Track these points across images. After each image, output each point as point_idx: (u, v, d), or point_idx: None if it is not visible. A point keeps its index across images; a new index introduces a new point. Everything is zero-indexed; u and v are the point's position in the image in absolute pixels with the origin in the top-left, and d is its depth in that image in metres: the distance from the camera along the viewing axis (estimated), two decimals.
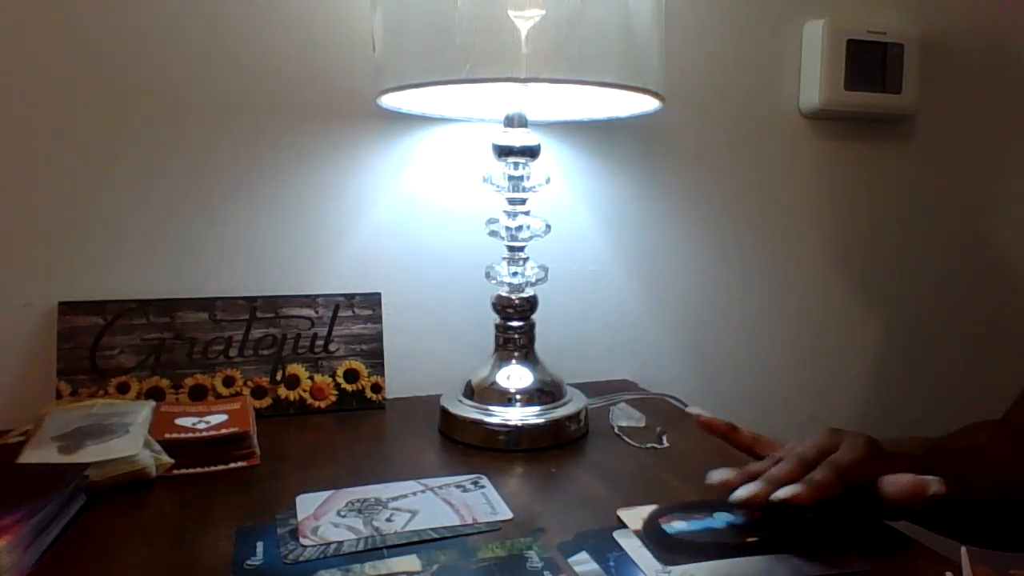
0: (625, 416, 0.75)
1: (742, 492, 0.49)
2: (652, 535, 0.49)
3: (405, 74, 0.62)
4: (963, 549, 0.44)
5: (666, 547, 0.48)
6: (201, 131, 0.77)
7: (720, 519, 0.52)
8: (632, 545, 0.48)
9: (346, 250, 0.82)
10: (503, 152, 0.70)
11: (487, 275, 0.72)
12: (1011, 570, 0.43)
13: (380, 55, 0.65)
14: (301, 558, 0.47)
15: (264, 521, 0.51)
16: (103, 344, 0.72)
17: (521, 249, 0.72)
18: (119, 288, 0.75)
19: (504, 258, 0.72)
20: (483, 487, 0.58)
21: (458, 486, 0.58)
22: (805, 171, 1.00)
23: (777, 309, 1.00)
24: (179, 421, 0.64)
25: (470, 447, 0.68)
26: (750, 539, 0.49)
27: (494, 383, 0.71)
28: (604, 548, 0.48)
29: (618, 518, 0.52)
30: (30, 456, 0.56)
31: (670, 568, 0.45)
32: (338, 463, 0.63)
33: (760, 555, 0.47)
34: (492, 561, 0.46)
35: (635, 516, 0.52)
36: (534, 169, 0.71)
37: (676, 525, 0.51)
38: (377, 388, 0.79)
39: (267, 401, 0.76)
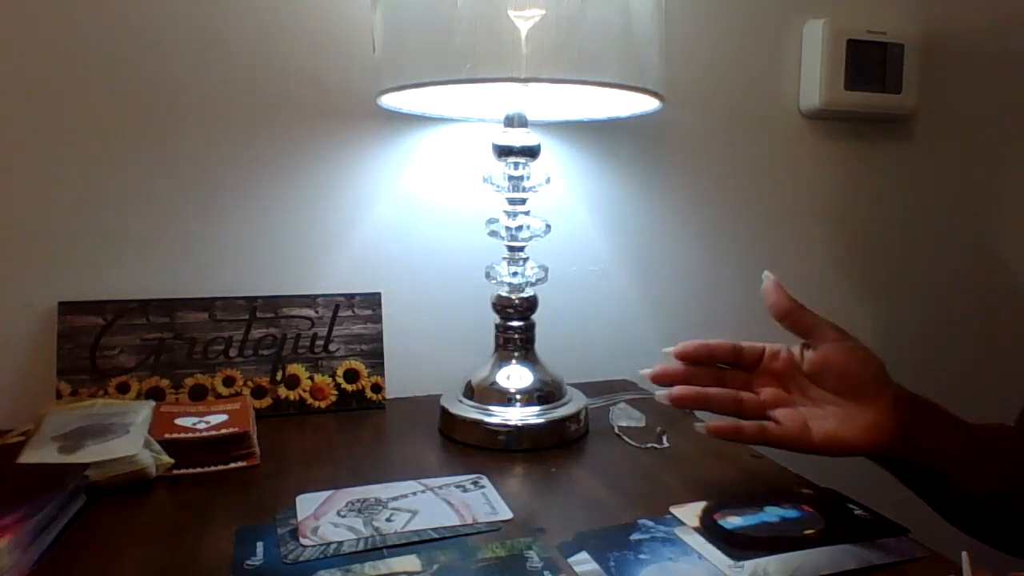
0: (625, 416, 0.75)
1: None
2: (712, 531, 0.50)
3: (405, 74, 0.62)
4: (964, 554, 0.44)
5: (729, 542, 0.49)
6: (201, 131, 0.77)
7: (771, 513, 0.53)
8: (697, 541, 0.49)
9: (346, 250, 0.82)
10: (503, 152, 0.70)
11: (487, 275, 0.72)
12: (1011, 572, 0.43)
13: (380, 55, 0.65)
14: (301, 558, 0.47)
15: (264, 521, 0.51)
16: (103, 344, 0.72)
17: (521, 249, 0.72)
18: (119, 288, 0.75)
19: (504, 258, 0.72)
20: (483, 487, 0.58)
21: (458, 486, 0.58)
22: (805, 171, 1.00)
23: None
24: (179, 421, 0.64)
25: (470, 447, 0.68)
26: (808, 532, 0.50)
27: (494, 383, 0.71)
28: (604, 548, 0.48)
29: (672, 514, 0.53)
30: (30, 456, 0.56)
31: (742, 563, 0.46)
32: (338, 463, 0.63)
33: (822, 547, 0.48)
34: (492, 561, 0.46)
35: (689, 512, 0.53)
36: (534, 169, 0.71)
37: (732, 521, 0.52)
38: (377, 388, 0.79)
39: (267, 401, 0.76)
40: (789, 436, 0.56)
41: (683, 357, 0.60)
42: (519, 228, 0.70)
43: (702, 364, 0.61)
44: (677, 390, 0.58)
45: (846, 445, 0.55)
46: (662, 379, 0.60)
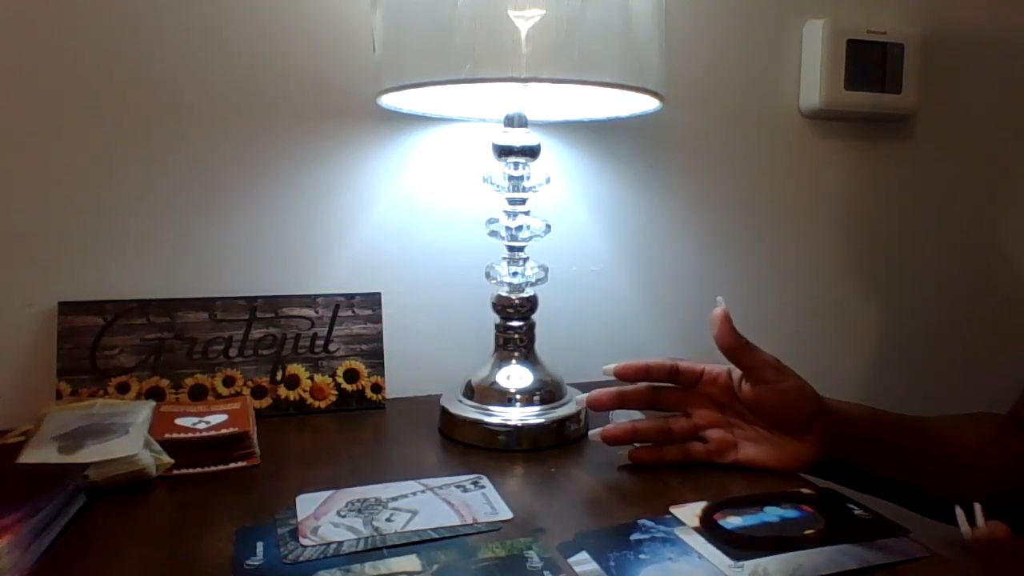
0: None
1: None
2: (712, 531, 0.50)
3: (405, 74, 0.62)
4: (976, 505, 0.44)
5: (729, 542, 0.49)
6: (201, 131, 0.77)
7: (771, 513, 0.53)
8: (697, 541, 0.49)
9: (346, 250, 0.82)
10: (503, 152, 0.70)
11: (487, 275, 0.72)
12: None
13: (380, 55, 0.65)
14: (301, 558, 0.47)
15: (264, 521, 0.51)
16: (103, 344, 0.72)
17: (521, 249, 0.72)
18: (119, 288, 0.75)
19: (504, 258, 0.72)
20: (483, 487, 0.58)
21: (458, 486, 0.58)
22: (805, 171, 1.00)
23: (776, 309, 1.00)
24: (179, 421, 0.64)
25: (470, 447, 0.68)
26: (808, 532, 0.50)
27: (494, 383, 0.71)
28: (604, 548, 0.48)
29: (672, 514, 0.53)
30: (30, 456, 0.56)
31: (742, 563, 0.46)
32: (338, 463, 0.63)
33: (822, 547, 0.48)
34: (492, 561, 0.46)
35: (689, 512, 0.53)
36: (534, 169, 0.71)
37: (732, 521, 0.52)
38: (377, 388, 0.79)
39: (267, 401, 0.76)
40: (713, 454, 0.61)
41: (621, 376, 0.63)
42: (519, 228, 0.70)
43: (639, 381, 0.64)
44: (609, 430, 0.63)
45: (767, 466, 0.61)
46: (597, 406, 0.64)
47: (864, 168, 1.02)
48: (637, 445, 0.63)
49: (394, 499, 0.55)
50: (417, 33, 0.61)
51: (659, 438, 0.63)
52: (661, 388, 0.64)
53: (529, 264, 0.72)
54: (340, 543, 0.48)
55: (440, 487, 0.57)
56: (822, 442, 0.60)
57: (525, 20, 0.57)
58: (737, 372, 0.62)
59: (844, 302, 1.04)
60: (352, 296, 0.80)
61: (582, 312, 0.91)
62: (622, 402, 0.64)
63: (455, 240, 0.85)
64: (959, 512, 0.44)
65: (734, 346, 0.60)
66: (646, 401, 0.64)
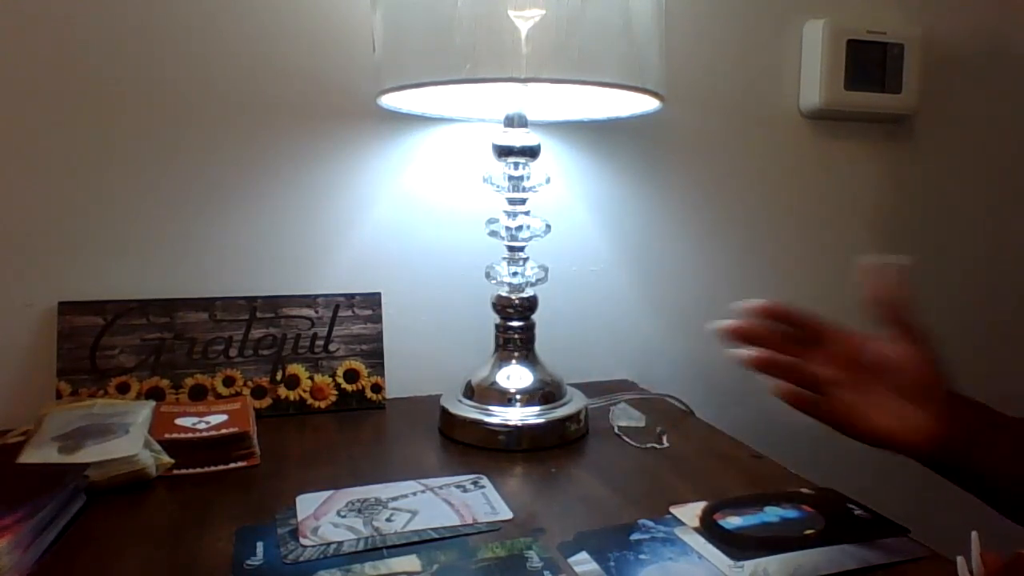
0: (625, 416, 0.75)
1: None
2: (712, 531, 0.50)
3: (405, 74, 0.62)
4: (973, 534, 0.44)
5: (729, 542, 0.49)
6: (201, 131, 0.77)
7: (771, 513, 0.53)
8: (697, 541, 0.49)
9: (346, 250, 0.82)
10: (503, 152, 0.70)
11: (487, 275, 0.72)
12: (1017, 551, 0.43)
13: (380, 55, 0.65)
14: (301, 558, 0.47)
15: (264, 521, 0.51)
16: (103, 344, 0.72)
17: (521, 249, 0.72)
18: (119, 288, 0.75)
19: (504, 258, 0.72)
20: (483, 487, 0.58)
21: (458, 486, 0.58)
22: (805, 171, 1.00)
23: None
24: (179, 421, 0.64)
25: (470, 447, 0.68)
26: (807, 532, 0.50)
27: (494, 383, 0.71)
28: (604, 548, 0.48)
29: (672, 514, 0.53)
30: (30, 456, 0.56)
31: (742, 563, 0.46)
32: (338, 463, 0.63)
33: (821, 547, 0.48)
34: (492, 561, 0.46)
35: (689, 512, 0.53)
36: (534, 169, 0.71)
37: (732, 521, 0.52)
38: (377, 388, 0.79)
39: (267, 401, 0.76)
40: (845, 417, 0.55)
41: (761, 313, 0.58)
42: (519, 228, 0.71)
43: (771, 320, 0.58)
44: (755, 353, 0.56)
45: (895, 438, 0.54)
46: (736, 335, 0.56)
47: (864, 168, 1.02)
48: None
49: (394, 499, 0.55)
50: (417, 33, 0.61)
51: (791, 378, 0.56)
52: (788, 341, 0.58)
53: (529, 264, 0.72)
54: (340, 543, 0.48)
55: (440, 487, 0.57)
56: (950, 417, 0.54)
57: (525, 20, 0.57)
58: (867, 333, 0.57)
59: (844, 300, 1.04)
60: (352, 296, 0.80)
61: (582, 312, 0.91)
62: (758, 338, 0.57)
63: (455, 240, 0.85)
64: (960, 562, 0.43)
65: (898, 298, 0.55)
66: (778, 346, 0.57)
